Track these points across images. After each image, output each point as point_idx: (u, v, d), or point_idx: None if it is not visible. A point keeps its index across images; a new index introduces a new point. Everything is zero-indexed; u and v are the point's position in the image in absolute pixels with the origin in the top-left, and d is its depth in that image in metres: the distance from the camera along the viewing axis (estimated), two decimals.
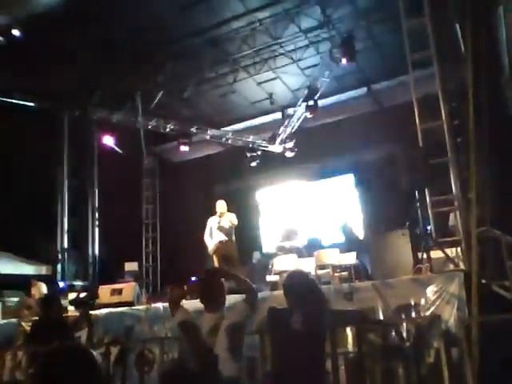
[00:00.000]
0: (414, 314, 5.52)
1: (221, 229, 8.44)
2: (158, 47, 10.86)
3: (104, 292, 7.90)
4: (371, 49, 11.16)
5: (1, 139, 11.01)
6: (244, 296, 3.63)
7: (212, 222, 8.58)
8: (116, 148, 13.09)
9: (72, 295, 8.23)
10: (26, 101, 11.82)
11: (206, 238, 8.56)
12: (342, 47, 10.51)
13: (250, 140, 13.32)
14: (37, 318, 6.86)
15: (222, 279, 3.84)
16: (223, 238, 8.43)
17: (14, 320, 7.85)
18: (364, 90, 12.17)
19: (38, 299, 6.65)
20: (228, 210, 8.67)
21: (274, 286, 7.52)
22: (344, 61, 10.59)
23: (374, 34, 10.88)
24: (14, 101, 11.56)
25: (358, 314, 3.63)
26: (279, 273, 8.41)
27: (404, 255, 6.74)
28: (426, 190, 7.16)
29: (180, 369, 3.25)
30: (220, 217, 8.46)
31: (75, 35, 9.96)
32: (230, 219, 8.47)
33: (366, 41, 10.96)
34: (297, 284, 3.40)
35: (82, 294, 7.20)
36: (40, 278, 11.07)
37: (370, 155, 12.07)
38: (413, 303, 5.61)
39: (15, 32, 9.59)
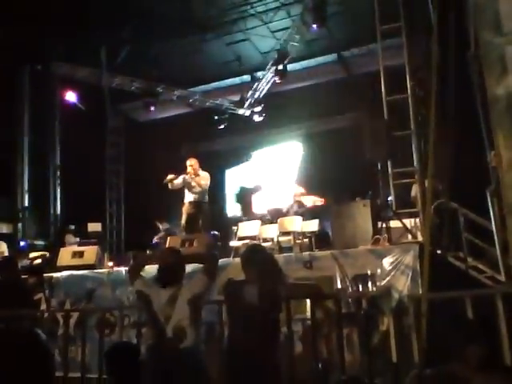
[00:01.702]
0: (370, 284, 5.71)
1: (190, 189, 8.34)
2: (124, 1, 10.47)
3: (65, 254, 7.83)
4: (343, 15, 11.03)
5: None
6: (203, 266, 3.68)
7: (184, 180, 8.40)
8: (79, 105, 12.73)
9: (27, 261, 8.14)
10: None
11: (171, 180, 8.27)
12: (313, 11, 10.36)
13: (217, 102, 13.14)
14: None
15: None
16: (192, 199, 8.36)
17: None
18: (334, 56, 12.08)
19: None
20: None
21: (236, 251, 7.59)
22: (315, 26, 10.46)
23: None
24: None
25: (314, 288, 3.74)
26: (242, 238, 8.49)
27: (364, 225, 6.90)
28: (389, 162, 7.30)
29: (123, 346, 3.29)
30: (191, 176, 8.30)
31: None
32: (200, 182, 8.31)
33: (338, 6, 10.83)
34: (254, 258, 3.47)
35: (37, 261, 7.13)
36: (1, 236, 10.89)
37: (337, 123, 12.10)
38: (369, 273, 5.79)
39: None
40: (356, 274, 5.82)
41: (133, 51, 11.87)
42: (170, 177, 8.34)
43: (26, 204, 12.19)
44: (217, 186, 14.08)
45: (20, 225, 12.01)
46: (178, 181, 8.34)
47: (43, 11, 10.20)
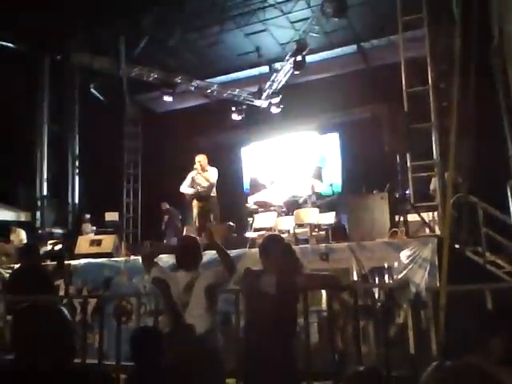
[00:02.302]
0: (386, 277, 5.67)
1: (198, 185, 8.39)
2: None
3: (83, 242, 7.92)
4: (363, 5, 10.89)
5: None
6: (221, 260, 3.68)
7: (191, 176, 8.50)
8: (98, 95, 12.81)
9: (47, 247, 8.24)
10: (6, 41, 11.41)
11: (184, 188, 8.46)
12: (333, 2, 10.24)
13: (235, 93, 13.11)
14: (16, 265, 6.88)
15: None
16: (200, 193, 8.41)
17: None
18: (353, 47, 11.96)
19: (17, 247, 6.63)
20: (210, 164, 8.59)
21: (252, 242, 7.60)
22: (335, 16, 10.35)
23: None
24: None
25: (332, 279, 3.71)
26: (258, 229, 8.49)
27: (381, 218, 6.84)
28: (408, 154, 7.22)
29: (149, 330, 3.32)
30: (199, 172, 8.35)
31: None
32: (208, 177, 8.36)
33: None
34: (272, 247, 3.46)
35: (57, 247, 7.21)
36: (19, 224, 11.04)
37: (356, 115, 12.01)
38: (386, 266, 5.75)
39: None
40: (373, 266, 5.79)
41: (152, 41, 11.88)
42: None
43: (45, 193, 12.33)
44: (233, 177, 14.13)
45: (39, 213, 12.17)
46: (189, 189, 8.43)
47: (63, 1, 10.26)
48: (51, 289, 5.30)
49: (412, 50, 7.81)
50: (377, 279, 5.73)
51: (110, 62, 12.20)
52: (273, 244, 3.50)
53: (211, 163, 8.68)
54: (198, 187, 8.37)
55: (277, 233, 7.13)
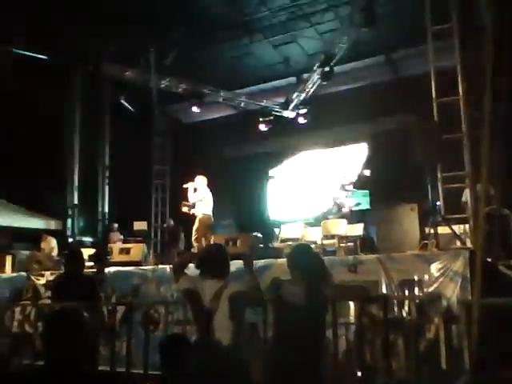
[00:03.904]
0: (416, 290, 5.56)
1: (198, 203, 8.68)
2: (173, 4, 10.65)
3: (113, 251, 8.01)
4: (392, 16, 10.84)
5: (15, 94, 11.01)
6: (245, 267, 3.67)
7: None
8: (128, 106, 13.03)
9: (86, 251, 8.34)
10: (39, 54, 11.71)
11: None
12: (362, 12, 10.24)
13: (262, 104, 13.16)
14: (61, 271, 6.97)
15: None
16: (198, 211, 8.66)
17: (23, 273, 8.00)
18: (382, 57, 11.89)
19: (63, 253, 6.67)
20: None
21: (278, 253, 7.56)
22: (363, 27, 10.33)
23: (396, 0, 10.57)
24: (27, 53, 11.45)
25: (361, 290, 3.66)
26: (285, 240, 8.46)
27: (411, 230, 6.74)
28: (438, 165, 7.10)
29: (179, 338, 3.33)
30: (194, 191, 8.68)
31: None
32: (197, 196, 8.68)
33: (387, 7, 10.65)
34: (301, 258, 3.43)
35: (100, 251, 7.30)
36: (50, 232, 11.26)
37: (384, 125, 11.90)
38: (416, 279, 5.64)
39: None
40: (403, 279, 5.68)
41: (181, 53, 12.05)
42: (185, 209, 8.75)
43: (76, 202, 12.57)
44: (259, 189, 14.16)
45: (69, 222, 12.39)
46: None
47: (94, 13, 10.50)
48: (96, 295, 5.30)
49: (442, 59, 7.72)
50: (406, 292, 5.63)
51: (139, 73, 12.42)
52: (301, 254, 3.47)
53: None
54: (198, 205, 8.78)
55: (305, 242, 7.09)
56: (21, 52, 11.28)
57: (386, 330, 4.22)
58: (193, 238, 8.60)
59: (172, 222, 11.86)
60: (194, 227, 8.65)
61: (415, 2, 8.70)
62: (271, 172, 14.33)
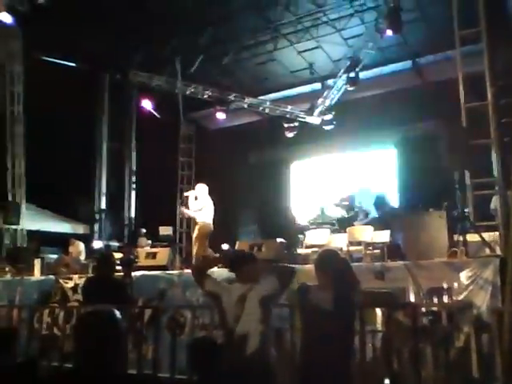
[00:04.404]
0: (445, 298, 5.47)
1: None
2: (198, 11, 10.76)
3: (139, 255, 8.08)
4: (418, 21, 10.76)
5: (42, 100, 11.25)
6: (277, 276, 3.65)
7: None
8: (154, 112, 13.19)
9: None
10: (68, 61, 11.97)
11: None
12: (387, 18, 10.18)
13: (287, 110, 13.17)
14: (90, 275, 7.06)
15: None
16: (198, 219, 8.76)
17: (51, 277, 8.11)
18: (408, 63, 11.80)
19: (95, 257, 6.75)
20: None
21: (304, 259, 7.53)
22: (389, 32, 10.27)
23: (422, 4, 10.47)
24: (56, 61, 11.71)
25: (389, 297, 3.62)
26: (310, 246, 8.42)
27: (439, 237, 6.62)
28: (467, 172, 7.00)
29: (207, 341, 3.33)
30: (195, 199, 8.71)
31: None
32: (197, 205, 8.71)
33: (413, 12, 10.58)
34: (329, 263, 3.41)
35: (128, 255, 7.37)
36: (78, 237, 11.43)
37: (411, 131, 11.80)
38: (445, 287, 5.54)
39: None
40: (431, 286, 5.58)
41: (206, 60, 12.16)
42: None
43: (103, 207, 12.75)
44: (282, 194, 14.15)
45: (96, 226, 12.58)
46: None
47: (121, 22, 10.67)
48: (127, 299, 5.35)
49: (470, 64, 7.62)
50: (435, 300, 5.54)
51: (166, 80, 12.57)
52: (329, 259, 3.45)
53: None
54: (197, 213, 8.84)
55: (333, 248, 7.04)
56: (51, 60, 11.55)
57: (415, 337, 4.15)
58: (193, 246, 8.64)
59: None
60: (194, 235, 8.69)
61: (442, 7, 8.64)
62: (296, 176, 14.32)
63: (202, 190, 8.90)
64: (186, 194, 9.02)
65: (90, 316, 2.03)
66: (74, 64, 12.07)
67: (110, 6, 10.12)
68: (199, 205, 8.73)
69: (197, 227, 8.70)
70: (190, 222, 13.97)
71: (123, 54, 12.14)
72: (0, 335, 3.82)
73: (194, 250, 8.50)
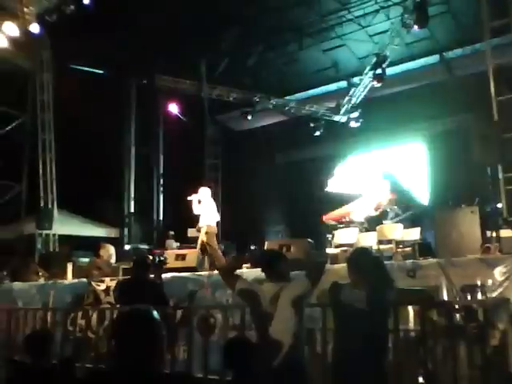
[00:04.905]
0: (480, 295, 5.34)
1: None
2: (222, 15, 10.81)
3: (169, 257, 8.13)
4: (445, 14, 10.59)
5: (71, 107, 11.47)
6: (306, 271, 3.63)
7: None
8: (180, 116, 13.30)
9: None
10: (96, 68, 12.18)
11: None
12: (414, 13, 10.04)
13: (313, 109, 13.12)
14: (123, 277, 7.15)
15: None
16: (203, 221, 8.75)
17: (84, 280, 8.23)
18: (436, 57, 11.61)
19: (134, 260, 6.82)
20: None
21: (333, 258, 7.47)
22: (416, 27, 10.14)
23: None
24: (84, 68, 11.93)
25: (423, 295, 3.56)
26: (339, 246, 8.35)
27: (471, 234, 6.46)
28: (499, 166, 6.84)
29: (242, 341, 3.33)
30: (199, 202, 8.72)
31: (142, 5, 10.09)
32: (202, 208, 8.71)
33: (440, 6, 10.42)
34: (362, 261, 3.37)
35: (159, 257, 7.43)
36: (108, 240, 11.59)
37: (440, 126, 11.59)
38: (479, 284, 5.41)
39: (85, 0, 9.76)
40: (464, 284, 5.45)
41: (231, 62, 12.21)
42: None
43: (132, 210, 12.92)
44: (312, 194, 14.07)
45: (126, 230, 12.74)
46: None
47: (146, 27, 10.80)
48: (163, 300, 5.39)
49: (500, 56, 7.46)
50: (469, 297, 5.42)
51: (191, 83, 12.66)
52: (363, 257, 3.41)
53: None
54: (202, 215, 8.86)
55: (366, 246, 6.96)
56: (79, 68, 11.78)
57: (451, 336, 4.07)
58: (198, 249, 8.70)
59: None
60: (199, 238, 8.74)
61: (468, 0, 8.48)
62: (325, 176, 14.21)
63: (205, 193, 8.98)
64: (189, 197, 9.07)
65: (128, 316, 2.03)
66: (101, 71, 12.27)
67: (134, 12, 10.27)
68: (203, 208, 8.82)
69: (203, 231, 8.76)
70: (218, 224, 14.11)
71: (149, 60, 12.27)
72: (36, 337, 3.92)
73: (199, 254, 8.50)
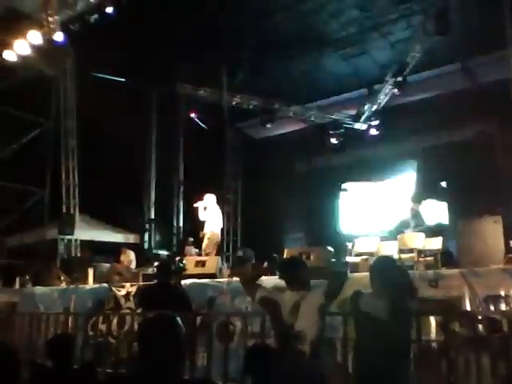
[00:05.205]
0: (503, 306, 5.25)
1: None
2: (242, 22, 10.87)
3: (188, 263, 8.18)
4: (466, 21, 10.49)
5: (93, 114, 11.64)
6: (328, 281, 3.61)
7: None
8: (201, 123, 13.38)
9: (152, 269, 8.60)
10: (118, 76, 12.33)
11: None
12: (435, 20, 9.98)
13: (333, 117, 13.09)
14: (150, 283, 7.19)
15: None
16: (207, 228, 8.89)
17: (105, 285, 8.30)
18: (457, 65, 11.50)
19: (156, 265, 6.88)
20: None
21: (354, 267, 7.41)
22: (437, 35, 10.06)
23: (470, 5, 10.20)
24: (106, 76, 12.09)
25: (447, 305, 3.50)
26: (359, 254, 8.29)
27: (495, 243, 6.39)
28: None
29: (263, 347, 3.32)
30: (204, 209, 8.88)
31: (163, 15, 10.21)
32: (207, 215, 8.87)
33: (461, 13, 10.33)
34: (385, 270, 3.33)
35: (178, 263, 7.49)
36: (128, 246, 11.69)
37: (461, 135, 11.46)
38: (503, 294, 5.33)
39: (108, 9, 9.89)
40: (488, 294, 5.37)
41: (251, 70, 12.25)
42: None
43: (152, 216, 13.02)
44: (331, 202, 14.01)
45: (146, 236, 12.84)
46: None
47: (167, 36, 10.92)
48: (187, 306, 5.41)
49: None
50: (492, 308, 5.33)
51: (212, 91, 12.74)
52: (386, 266, 3.38)
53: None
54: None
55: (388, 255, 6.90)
56: (101, 76, 11.94)
57: (475, 348, 4.00)
58: (203, 254, 8.81)
59: (240, 253, 11.84)
60: (203, 244, 8.82)
61: (490, 5, 8.40)
62: (344, 185, 14.16)
63: (210, 200, 9.01)
64: (195, 204, 9.13)
65: (153, 321, 2.05)
66: (123, 79, 12.42)
67: (155, 21, 10.39)
68: (209, 215, 8.87)
69: (206, 237, 8.80)
70: (238, 232, 14.14)
71: (170, 68, 12.39)
72: (59, 341, 3.95)
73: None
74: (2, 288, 9.98)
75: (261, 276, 4.17)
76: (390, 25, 11.01)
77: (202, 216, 9.01)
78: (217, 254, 8.88)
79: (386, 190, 13.09)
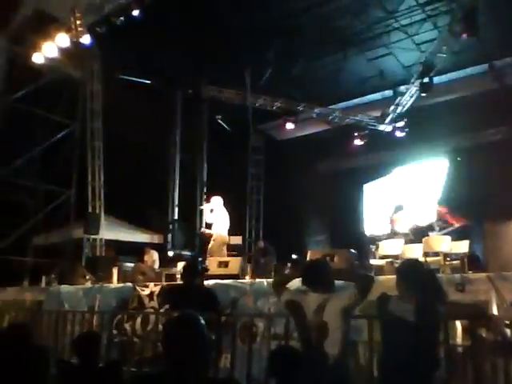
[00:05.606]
0: None
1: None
2: (269, 24, 10.88)
3: (211, 263, 8.20)
4: (495, 22, 10.31)
5: (118, 115, 11.78)
6: (355, 284, 3.58)
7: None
8: (224, 125, 13.43)
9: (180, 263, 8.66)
10: (144, 78, 12.47)
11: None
12: (463, 21, 9.84)
13: (357, 118, 13.00)
14: (180, 283, 7.25)
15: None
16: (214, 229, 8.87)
17: (129, 284, 8.38)
18: (484, 66, 11.32)
19: (183, 266, 6.91)
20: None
21: (378, 270, 7.35)
22: (464, 35, 9.91)
23: (497, 5, 10.03)
24: (131, 78, 12.24)
25: (475, 309, 3.44)
26: (384, 257, 8.21)
27: None
28: None
29: (289, 349, 3.31)
30: (211, 211, 8.88)
31: (188, 17, 10.28)
32: (214, 217, 8.85)
33: (490, 14, 10.15)
34: (413, 273, 3.29)
35: (201, 264, 7.52)
36: (152, 246, 11.79)
37: (488, 137, 11.27)
38: None
39: (134, 12, 10.00)
40: None
41: (275, 71, 12.25)
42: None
43: (176, 217, 13.11)
44: (354, 204, 13.92)
45: (170, 236, 12.93)
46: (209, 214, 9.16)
47: (191, 38, 10.99)
48: (214, 306, 5.43)
49: None
50: None
51: (235, 93, 12.78)
52: (414, 269, 3.33)
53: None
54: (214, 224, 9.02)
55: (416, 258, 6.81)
56: (127, 78, 12.09)
57: (504, 353, 3.92)
58: (208, 257, 8.75)
59: (262, 244, 11.82)
60: (210, 246, 8.82)
61: None
62: (367, 186, 14.07)
63: (217, 202, 9.02)
64: (201, 207, 9.17)
65: (178, 321, 2.07)
66: (148, 81, 12.55)
67: (179, 23, 10.47)
68: (215, 217, 8.88)
69: (212, 238, 8.80)
70: (260, 233, 14.13)
71: (194, 69, 12.47)
72: (85, 339, 4.00)
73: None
74: (29, 286, 10.16)
75: (292, 279, 4.13)
76: (416, 25, 10.90)
77: (208, 218, 9.06)
78: (230, 256, 8.90)
79: (412, 191, 12.94)
